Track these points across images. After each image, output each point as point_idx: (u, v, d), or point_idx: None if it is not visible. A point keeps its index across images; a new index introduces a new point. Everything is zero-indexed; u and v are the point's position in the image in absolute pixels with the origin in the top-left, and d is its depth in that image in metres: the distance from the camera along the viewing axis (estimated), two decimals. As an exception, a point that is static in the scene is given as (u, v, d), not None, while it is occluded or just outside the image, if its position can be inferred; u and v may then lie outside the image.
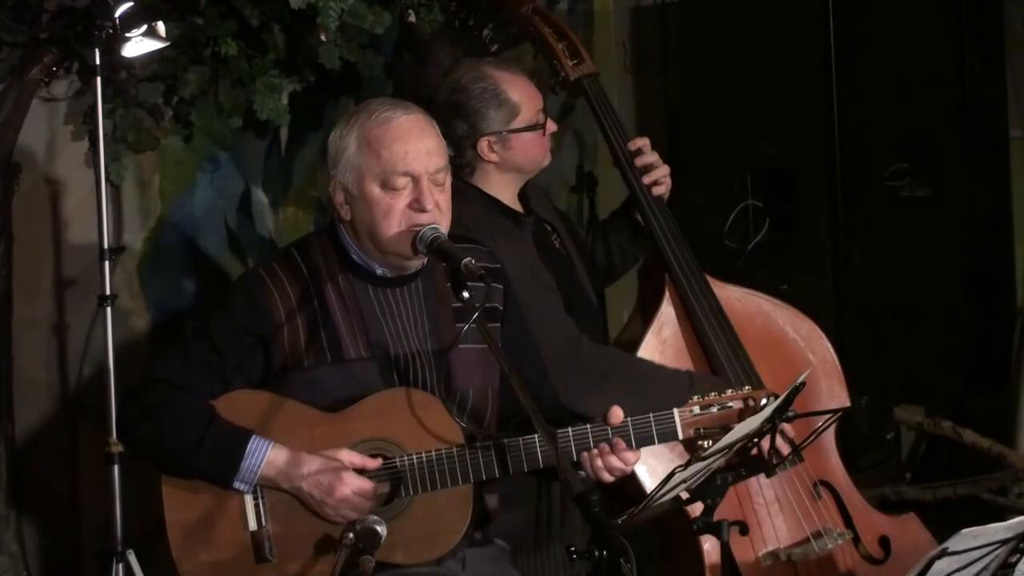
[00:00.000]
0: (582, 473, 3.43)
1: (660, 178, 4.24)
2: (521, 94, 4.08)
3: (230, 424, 3.37)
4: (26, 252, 4.44)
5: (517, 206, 4.18)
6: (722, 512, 3.46)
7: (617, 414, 3.41)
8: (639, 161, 4.23)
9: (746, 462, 3.44)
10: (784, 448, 3.70)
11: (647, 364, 4.04)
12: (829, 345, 4.23)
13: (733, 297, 4.19)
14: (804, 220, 5.33)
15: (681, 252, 4.17)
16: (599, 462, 3.42)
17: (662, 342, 4.12)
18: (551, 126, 4.14)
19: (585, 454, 3.42)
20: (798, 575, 4.00)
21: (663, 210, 4.22)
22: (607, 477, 3.43)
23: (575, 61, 4.26)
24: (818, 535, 4.02)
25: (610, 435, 3.40)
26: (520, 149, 4.09)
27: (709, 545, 3.90)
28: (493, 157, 4.08)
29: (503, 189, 4.13)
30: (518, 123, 4.07)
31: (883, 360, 5.49)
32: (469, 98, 4.05)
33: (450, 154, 3.59)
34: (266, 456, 3.35)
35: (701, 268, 4.17)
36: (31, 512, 4.42)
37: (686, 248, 4.18)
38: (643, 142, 4.26)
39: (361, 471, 3.37)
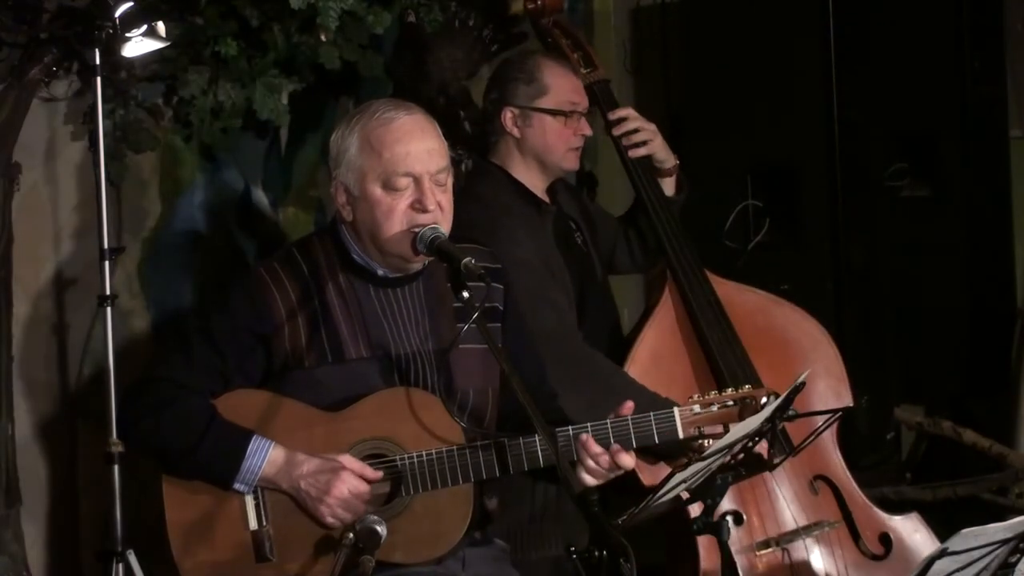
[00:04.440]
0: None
1: (645, 139, 4.29)
2: (557, 81, 4.20)
3: (231, 424, 3.37)
4: (26, 252, 4.43)
5: (542, 195, 4.22)
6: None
7: (629, 406, 3.41)
8: (618, 129, 4.29)
9: (746, 462, 3.44)
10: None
11: (632, 382, 4.00)
12: (833, 345, 4.24)
13: (735, 294, 4.20)
14: (804, 220, 5.33)
15: (682, 250, 4.21)
16: (590, 462, 3.38)
17: (660, 338, 4.13)
18: (582, 126, 4.21)
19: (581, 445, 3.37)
20: (794, 569, 4.01)
21: (666, 208, 4.27)
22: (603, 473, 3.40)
23: (588, 69, 4.36)
24: (813, 526, 4.04)
25: (610, 434, 3.40)
26: (539, 130, 4.18)
27: (705, 543, 3.90)
28: (515, 131, 4.19)
29: (526, 174, 4.21)
30: (542, 103, 4.17)
31: (883, 360, 5.48)
32: (508, 69, 4.24)
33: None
34: (267, 456, 3.35)
35: (702, 265, 4.19)
36: (31, 512, 4.41)
37: (688, 246, 4.22)
38: (626, 112, 4.33)
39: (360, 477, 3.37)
